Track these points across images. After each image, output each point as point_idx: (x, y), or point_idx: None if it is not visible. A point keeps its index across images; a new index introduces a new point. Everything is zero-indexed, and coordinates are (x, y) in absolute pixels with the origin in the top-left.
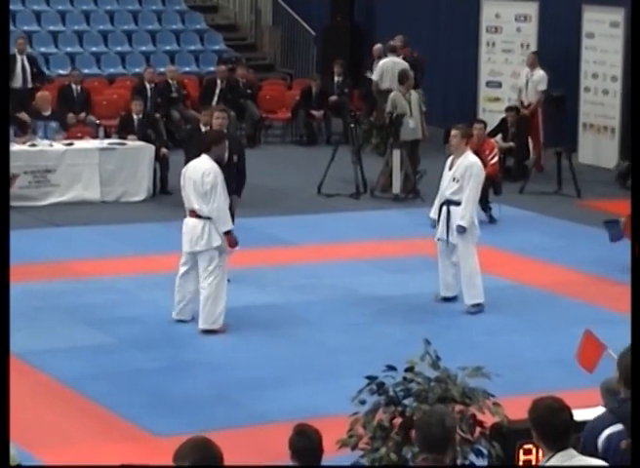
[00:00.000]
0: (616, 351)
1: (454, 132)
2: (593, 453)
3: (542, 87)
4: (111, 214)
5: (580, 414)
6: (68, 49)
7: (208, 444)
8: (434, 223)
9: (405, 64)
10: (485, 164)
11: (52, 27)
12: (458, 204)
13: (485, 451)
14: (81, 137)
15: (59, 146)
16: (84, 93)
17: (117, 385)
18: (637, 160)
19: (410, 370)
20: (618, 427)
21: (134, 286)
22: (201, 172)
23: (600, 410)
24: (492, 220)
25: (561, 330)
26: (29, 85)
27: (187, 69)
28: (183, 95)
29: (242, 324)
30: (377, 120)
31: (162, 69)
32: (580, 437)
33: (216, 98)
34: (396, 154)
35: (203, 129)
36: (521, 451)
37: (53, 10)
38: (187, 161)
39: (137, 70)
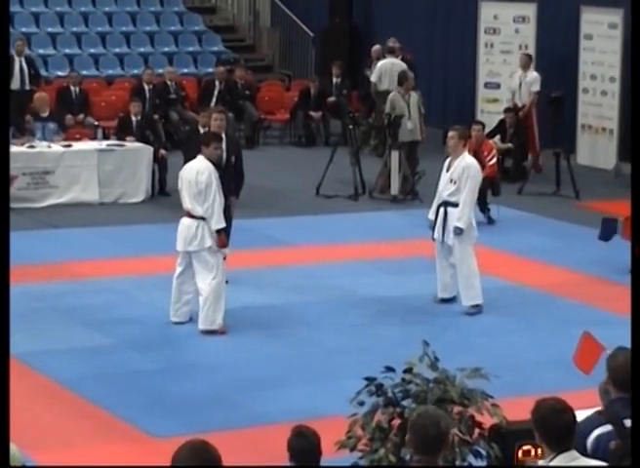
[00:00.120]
0: None
1: (451, 133)
2: (582, 453)
3: (536, 88)
4: (110, 215)
5: (578, 415)
6: (67, 50)
7: (206, 447)
8: (432, 225)
9: (404, 66)
10: (483, 165)
11: (50, 29)
12: (455, 205)
13: (484, 453)
14: (79, 139)
15: (57, 148)
16: (82, 94)
17: (116, 386)
18: (637, 160)
19: (408, 371)
20: (607, 428)
21: (132, 287)
22: (195, 171)
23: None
24: (490, 221)
25: (559, 331)
26: (27, 87)
27: (186, 70)
28: (182, 96)
29: (240, 325)
30: (375, 121)
31: (160, 70)
32: None
33: (214, 100)
34: (394, 155)
35: (201, 130)
36: (520, 452)
37: (51, 11)
38: (186, 162)
39: (135, 72)
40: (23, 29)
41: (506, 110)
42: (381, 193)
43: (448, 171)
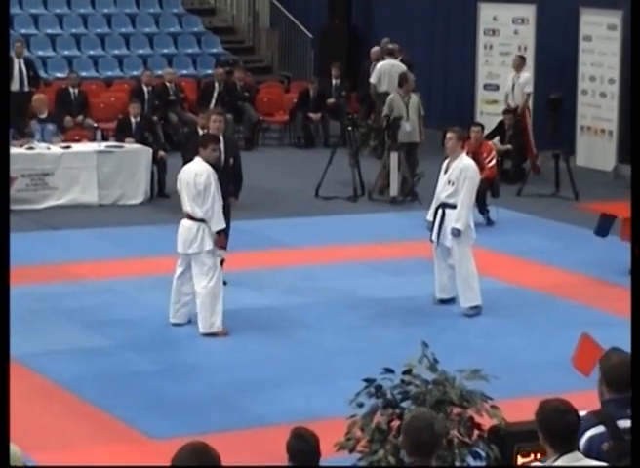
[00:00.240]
0: None
1: (449, 134)
2: None
3: (528, 89)
4: (109, 216)
5: None
6: (66, 52)
7: (206, 448)
8: (430, 226)
9: (403, 67)
10: (483, 166)
11: (49, 30)
12: (453, 207)
13: (483, 454)
14: (79, 141)
15: (56, 149)
16: (81, 96)
17: (114, 387)
18: (637, 162)
19: (408, 372)
20: (599, 429)
21: (131, 288)
22: (194, 173)
23: None
24: (489, 223)
25: (559, 332)
26: (26, 88)
27: (185, 72)
28: (181, 97)
29: (239, 326)
30: (374, 122)
31: (160, 72)
32: None
33: (213, 101)
34: (394, 157)
35: (200, 131)
36: (519, 454)
37: (50, 13)
38: (185, 164)
39: (134, 73)
40: (23, 31)
41: (506, 112)
42: (381, 194)
43: (446, 172)
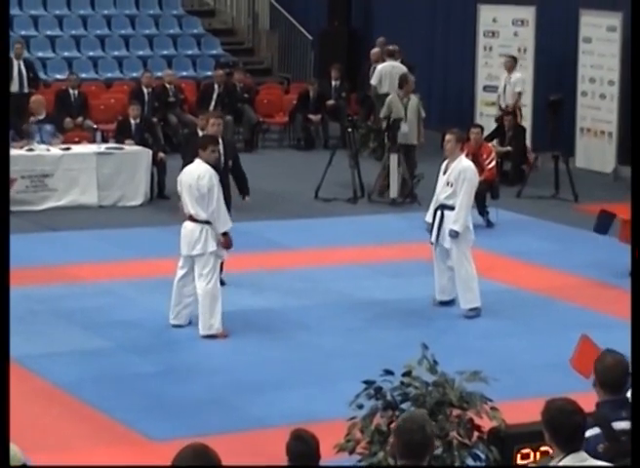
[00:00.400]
0: None
1: (448, 136)
2: None
3: (519, 88)
4: (109, 218)
5: None
6: (66, 53)
7: (206, 450)
8: (430, 227)
9: (404, 69)
10: (482, 168)
11: (49, 32)
12: (452, 208)
13: (482, 456)
14: (78, 142)
15: (56, 151)
16: (81, 97)
17: (114, 389)
18: (637, 163)
19: (407, 374)
20: (595, 431)
21: (131, 290)
22: (196, 175)
23: None
24: (489, 224)
25: (558, 334)
26: (26, 90)
27: (185, 74)
28: (181, 99)
29: (239, 328)
30: (374, 124)
31: (159, 74)
32: None
33: (213, 103)
34: (393, 158)
35: (200, 133)
36: (518, 456)
37: (50, 14)
38: (184, 165)
39: (134, 75)
40: (22, 32)
41: (505, 113)
42: (380, 196)
43: (445, 173)
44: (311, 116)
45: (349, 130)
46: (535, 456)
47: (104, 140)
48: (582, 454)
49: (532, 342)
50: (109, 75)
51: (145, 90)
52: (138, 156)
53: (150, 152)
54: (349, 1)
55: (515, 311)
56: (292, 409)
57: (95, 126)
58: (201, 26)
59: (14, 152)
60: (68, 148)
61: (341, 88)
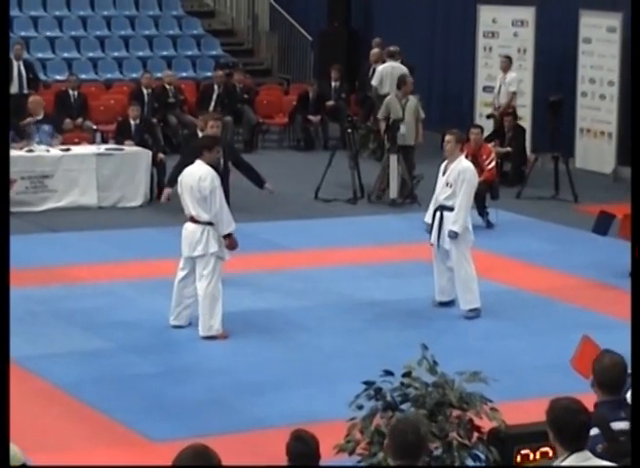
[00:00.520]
0: None
1: (447, 137)
2: None
3: (513, 88)
4: (108, 219)
5: None
6: (65, 54)
7: (207, 451)
8: (429, 228)
9: (404, 69)
10: (482, 169)
11: (49, 33)
12: (451, 209)
13: (482, 456)
14: (78, 143)
15: (55, 152)
16: (81, 98)
17: (114, 390)
18: (637, 164)
19: (407, 375)
20: (594, 431)
21: (131, 291)
22: (197, 177)
23: None
24: (489, 225)
25: (558, 334)
26: (25, 91)
27: (184, 74)
28: (180, 100)
29: (239, 329)
30: (374, 125)
31: (159, 74)
32: None
33: (213, 104)
34: (393, 159)
35: (200, 134)
36: (518, 457)
37: (50, 15)
38: (184, 166)
39: (134, 75)
40: (22, 33)
41: (505, 114)
42: (380, 197)
43: (444, 174)
44: (311, 117)
45: (349, 130)
46: (534, 457)
47: (104, 141)
48: (587, 453)
49: (532, 343)
50: (109, 76)
51: (145, 90)
52: (137, 157)
53: (150, 153)
54: (349, 2)
55: (515, 312)
56: (292, 410)
57: (94, 127)
58: (201, 27)
59: (14, 153)
60: (68, 149)
61: (341, 89)
